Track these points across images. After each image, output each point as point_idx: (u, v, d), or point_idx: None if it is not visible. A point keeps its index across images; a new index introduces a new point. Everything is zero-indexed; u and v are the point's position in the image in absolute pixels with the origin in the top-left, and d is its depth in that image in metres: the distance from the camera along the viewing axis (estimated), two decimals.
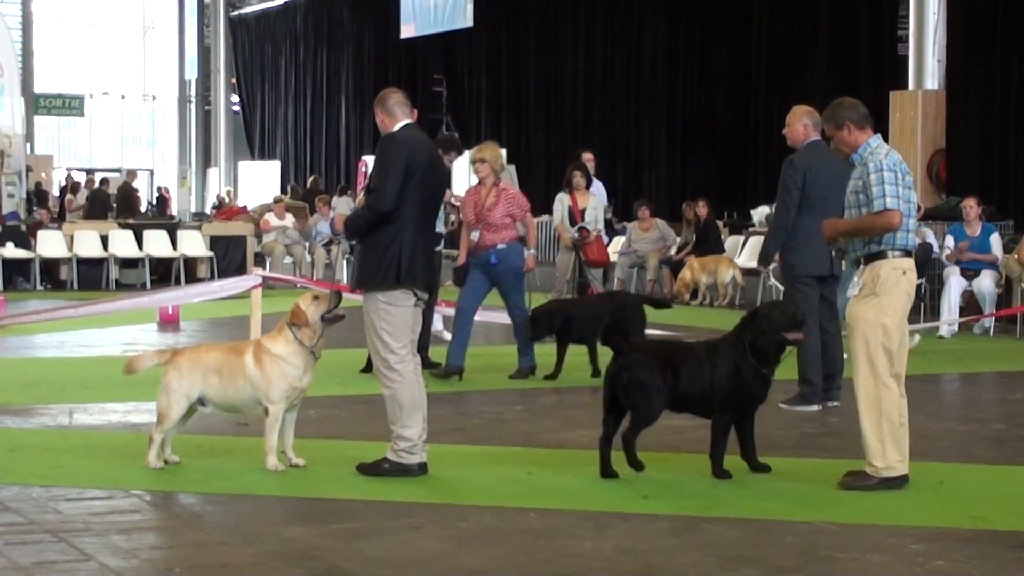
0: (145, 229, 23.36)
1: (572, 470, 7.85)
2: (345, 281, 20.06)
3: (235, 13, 46.90)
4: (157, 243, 22.88)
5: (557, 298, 12.69)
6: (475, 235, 11.49)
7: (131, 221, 25.48)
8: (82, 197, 33.74)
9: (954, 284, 15.63)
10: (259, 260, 22.76)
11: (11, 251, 21.84)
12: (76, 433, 9.15)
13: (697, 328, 14.82)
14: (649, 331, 13.82)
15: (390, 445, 7.69)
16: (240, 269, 21.58)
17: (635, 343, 8.12)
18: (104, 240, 22.54)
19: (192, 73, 48.60)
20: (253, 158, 45.66)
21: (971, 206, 15.98)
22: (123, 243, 22.63)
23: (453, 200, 14.95)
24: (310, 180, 35.94)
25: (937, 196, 21.32)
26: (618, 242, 21.40)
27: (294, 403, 7.85)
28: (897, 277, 7.48)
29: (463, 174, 23.44)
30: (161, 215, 33.73)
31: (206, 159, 48.85)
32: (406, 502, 7.09)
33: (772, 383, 7.83)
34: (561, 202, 14.51)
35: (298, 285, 16.24)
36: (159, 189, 43.84)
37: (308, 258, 23.42)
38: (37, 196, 31.66)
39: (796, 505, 7.13)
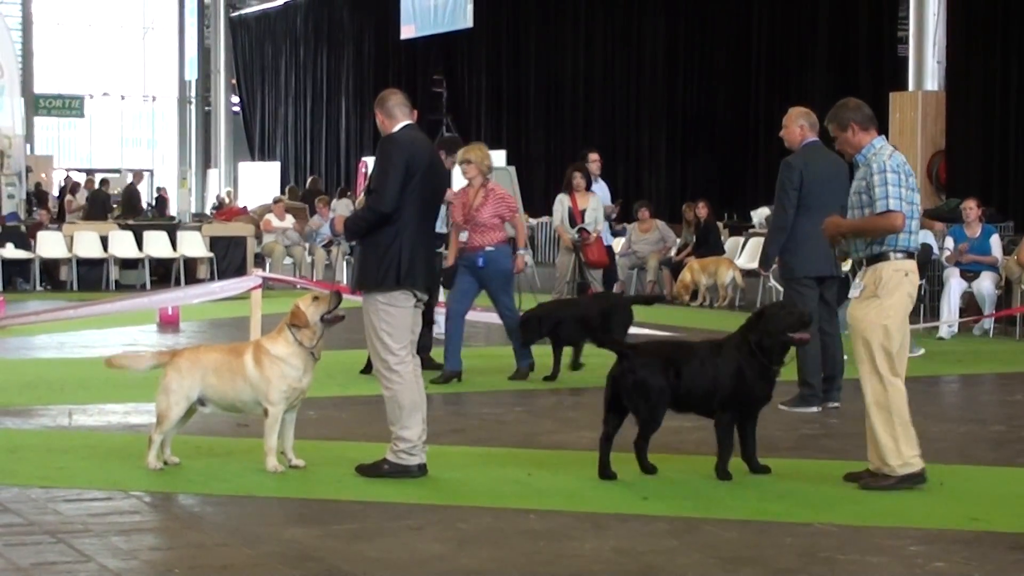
0: (145, 230, 23.37)
1: (572, 471, 7.85)
2: (345, 282, 20.06)
3: (235, 14, 46.89)
4: (157, 244, 22.88)
5: (544, 302, 12.69)
6: (464, 236, 11.50)
7: (131, 222, 25.49)
8: (82, 198, 33.75)
9: (954, 285, 15.63)
10: (259, 261, 22.77)
11: (11, 252, 21.84)
12: (76, 434, 9.15)
13: (697, 329, 14.82)
14: (650, 332, 13.87)
15: (390, 446, 7.69)
16: (240, 270, 21.58)
17: (638, 345, 8.12)
18: (104, 241, 22.54)
19: (192, 74, 48.58)
20: (253, 159, 45.65)
21: (971, 207, 15.99)
22: (123, 244, 22.63)
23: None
24: (309, 181, 35.93)
25: (937, 197, 21.32)
26: (618, 243, 21.39)
27: (294, 404, 7.86)
28: (899, 279, 7.48)
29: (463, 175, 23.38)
30: (160, 216, 33.73)
31: (206, 160, 48.84)
32: (406, 503, 7.10)
33: (776, 384, 7.84)
34: (561, 203, 14.51)
35: (298, 286, 16.24)
36: (158, 190, 43.85)
37: (308, 259, 23.43)
38: (37, 197, 31.63)
39: (796, 506, 7.13)
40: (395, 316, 7.64)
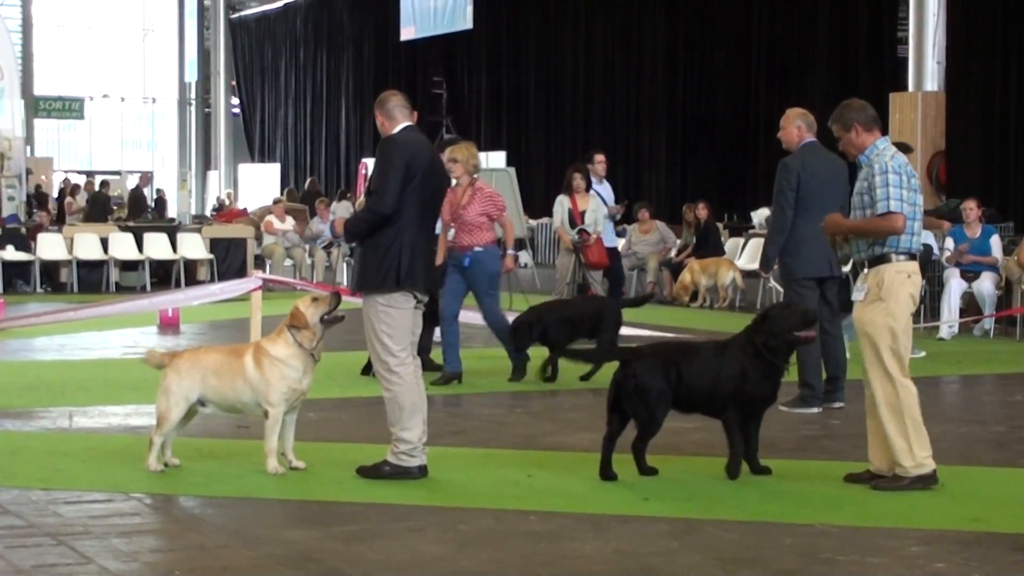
0: (145, 232, 23.37)
1: (572, 472, 7.85)
2: (345, 284, 20.06)
3: (235, 15, 46.93)
4: (157, 246, 22.88)
5: (535, 305, 12.66)
6: (451, 234, 11.49)
7: (131, 224, 25.49)
8: (82, 200, 33.76)
9: (954, 286, 15.63)
10: (259, 262, 22.77)
11: (11, 254, 21.84)
12: (76, 436, 9.15)
13: (697, 330, 14.80)
14: (650, 332, 13.87)
15: (390, 447, 7.69)
16: (240, 272, 21.57)
17: (641, 348, 8.12)
18: (104, 243, 22.54)
19: (192, 75, 48.61)
20: (253, 160, 45.68)
21: (971, 208, 15.98)
22: (123, 246, 22.64)
23: None
24: (307, 182, 35.96)
25: (937, 198, 21.32)
26: (620, 244, 21.40)
27: (294, 405, 7.85)
28: (902, 280, 7.48)
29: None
30: (159, 217, 33.75)
31: (206, 162, 48.87)
32: (406, 505, 7.10)
33: (781, 384, 7.85)
34: (561, 204, 14.51)
35: (298, 288, 16.23)
36: (158, 191, 43.88)
37: (308, 260, 23.44)
38: (37, 199, 31.65)
39: (796, 507, 7.13)
40: (395, 317, 7.64)
